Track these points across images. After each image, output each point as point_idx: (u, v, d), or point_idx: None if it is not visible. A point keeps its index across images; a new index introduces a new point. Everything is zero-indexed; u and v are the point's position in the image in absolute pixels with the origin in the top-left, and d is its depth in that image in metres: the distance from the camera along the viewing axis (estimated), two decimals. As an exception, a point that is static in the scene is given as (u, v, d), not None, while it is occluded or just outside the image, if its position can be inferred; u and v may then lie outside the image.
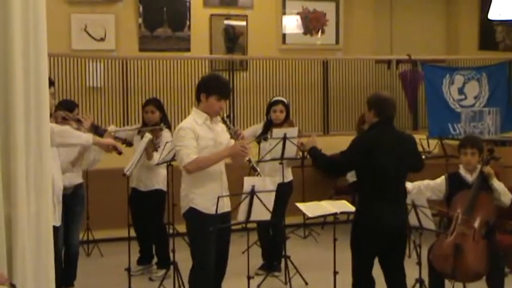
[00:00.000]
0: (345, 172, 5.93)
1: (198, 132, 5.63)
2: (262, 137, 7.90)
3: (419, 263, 6.17)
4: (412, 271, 6.15)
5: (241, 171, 6.75)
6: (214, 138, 5.72)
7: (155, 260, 8.20)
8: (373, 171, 5.75)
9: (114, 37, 10.98)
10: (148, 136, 7.10)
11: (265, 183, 5.64)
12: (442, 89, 11.54)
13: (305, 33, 12.28)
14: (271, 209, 5.59)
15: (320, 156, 6.06)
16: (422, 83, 11.64)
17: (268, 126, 7.97)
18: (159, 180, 7.92)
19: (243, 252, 5.81)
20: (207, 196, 5.62)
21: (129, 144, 6.96)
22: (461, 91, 11.66)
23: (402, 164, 5.91)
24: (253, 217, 5.61)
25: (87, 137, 5.72)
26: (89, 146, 6.07)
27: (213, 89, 5.71)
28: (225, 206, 5.71)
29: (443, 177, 6.82)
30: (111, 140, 6.14)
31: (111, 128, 7.45)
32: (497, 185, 6.54)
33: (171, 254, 7.36)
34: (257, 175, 5.68)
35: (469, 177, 6.65)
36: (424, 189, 6.65)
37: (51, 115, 5.56)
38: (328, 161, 6.10)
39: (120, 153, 6.09)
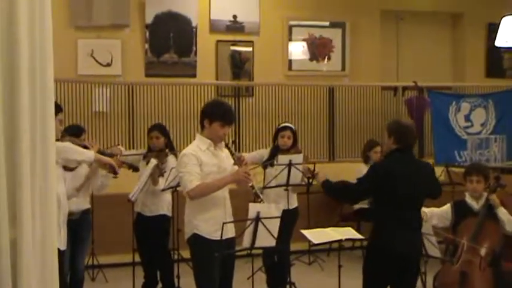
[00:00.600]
0: (360, 199, 5.88)
1: (202, 158, 5.63)
2: (268, 162, 7.89)
3: (425, 291, 6.13)
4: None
5: (247, 197, 6.73)
6: (218, 164, 5.72)
7: (160, 285, 8.16)
8: (390, 198, 5.73)
9: (120, 62, 11.01)
10: (153, 161, 7.11)
11: (270, 210, 5.63)
12: (448, 116, 11.54)
13: (311, 59, 12.31)
14: (276, 236, 5.58)
15: (334, 187, 6.06)
16: (428, 110, 11.65)
17: (275, 151, 7.97)
18: (163, 206, 7.90)
19: (247, 279, 5.77)
20: (210, 222, 5.60)
21: (135, 169, 6.96)
22: (467, 118, 11.66)
23: (419, 192, 5.90)
24: (258, 243, 5.59)
25: (90, 154, 5.75)
26: (91, 162, 6.10)
27: (216, 115, 5.71)
28: (229, 231, 5.69)
29: (449, 204, 6.82)
30: (111, 160, 6.16)
31: (120, 148, 7.48)
32: (503, 214, 6.53)
33: (176, 280, 7.34)
34: (260, 201, 5.67)
35: (475, 205, 6.64)
36: (430, 216, 6.63)
37: (58, 141, 5.57)
38: (343, 190, 6.09)
39: (115, 174, 6.12)
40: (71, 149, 5.56)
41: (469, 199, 6.72)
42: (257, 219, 5.49)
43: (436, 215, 6.70)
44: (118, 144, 9.12)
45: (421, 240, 5.83)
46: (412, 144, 5.95)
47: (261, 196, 5.79)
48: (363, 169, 8.27)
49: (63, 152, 5.36)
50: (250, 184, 5.63)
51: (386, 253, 5.70)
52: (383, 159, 6.05)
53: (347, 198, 6.10)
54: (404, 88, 12.00)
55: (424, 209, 6.50)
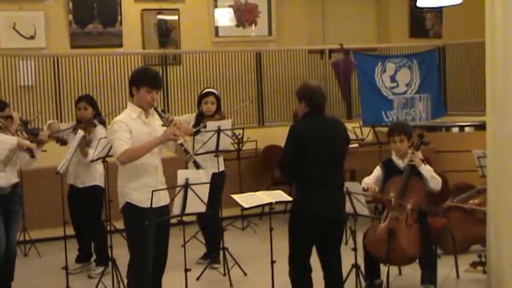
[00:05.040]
0: (293, 164, 5.84)
1: (132, 126, 5.62)
2: (197, 129, 7.90)
3: (354, 249, 6.26)
4: (348, 257, 6.23)
5: (180, 164, 6.76)
6: (150, 133, 5.71)
7: (94, 257, 8.16)
8: (307, 160, 5.77)
9: (44, 35, 10.86)
10: (80, 133, 7.07)
11: (199, 176, 5.66)
12: (374, 77, 11.72)
13: (238, 25, 12.33)
14: (206, 201, 5.62)
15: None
16: (355, 72, 11.81)
17: (200, 118, 8.01)
18: (96, 177, 7.88)
19: (181, 246, 5.81)
20: (142, 190, 5.61)
21: (63, 142, 6.91)
22: (393, 79, 11.86)
23: (337, 150, 5.95)
24: (188, 210, 5.61)
25: (12, 141, 5.75)
26: (14, 147, 6.10)
27: (142, 80, 5.70)
28: (162, 199, 5.71)
29: (378, 167, 6.95)
30: (31, 144, 6.19)
31: (55, 124, 7.45)
32: (426, 171, 6.67)
33: (109, 250, 7.34)
34: (189, 158, 5.68)
35: (401, 163, 6.80)
36: (370, 186, 6.73)
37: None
38: (280, 168, 6.14)
39: (33, 157, 6.17)
40: None
41: (395, 158, 6.87)
42: (186, 185, 5.52)
43: (375, 183, 6.79)
44: (40, 113, 9.08)
45: (342, 200, 5.88)
46: (322, 104, 5.95)
47: (191, 152, 5.80)
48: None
49: None
50: (179, 142, 5.63)
51: (309, 215, 5.78)
52: (298, 123, 6.09)
53: (283, 168, 6.09)
54: (331, 51, 12.13)
55: (364, 180, 6.63)
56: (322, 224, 5.83)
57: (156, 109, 5.80)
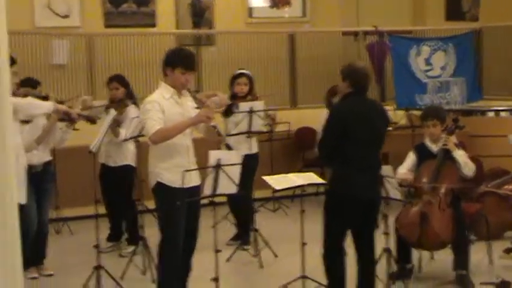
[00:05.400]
0: (332, 145, 5.75)
1: (164, 106, 5.61)
2: (233, 106, 7.89)
3: (386, 233, 6.22)
4: (379, 241, 6.17)
5: (212, 145, 6.74)
6: (182, 113, 5.70)
7: (125, 236, 8.19)
8: (349, 141, 5.67)
9: (78, 14, 10.87)
10: (112, 113, 7.08)
11: (230, 157, 5.64)
12: (408, 60, 11.60)
13: (271, 6, 12.25)
14: (237, 182, 5.60)
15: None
16: (389, 55, 11.68)
17: (232, 99, 7.97)
18: (127, 156, 7.91)
19: (212, 227, 5.80)
20: (173, 170, 5.61)
21: (92, 121, 6.93)
22: (428, 62, 11.73)
23: (377, 132, 5.87)
24: (219, 190, 5.61)
25: (48, 105, 5.71)
26: (51, 112, 6.08)
27: (178, 61, 5.69)
28: (193, 180, 5.70)
29: (410, 152, 6.89)
30: (69, 109, 6.15)
31: (85, 98, 7.46)
32: (459, 156, 6.59)
33: (140, 230, 7.37)
34: (222, 140, 5.67)
35: (434, 148, 6.73)
36: (405, 174, 6.68)
37: (13, 93, 5.53)
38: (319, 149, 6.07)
39: (72, 121, 6.12)
40: (33, 104, 5.52)
41: (428, 142, 6.80)
42: (218, 166, 5.51)
43: (409, 170, 6.74)
44: (78, 96, 9.07)
45: (380, 183, 5.86)
46: (366, 86, 5.87)
47: (223, 135, 5.80)
48: (326, 115, 8.29)
49: (26, 109, 5.32)
50: (212, 124, 5.63)
51: (347, 198, 5.69)
52: (339, 102, 6.03)
53: (322, 154, 6.03)
54: (365, 33, 12.00)
55: (399, 170, 6.55)
56: (362, 206, 5.75)
57: (189, 90, 5.79)
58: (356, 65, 6.00)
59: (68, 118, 6.20)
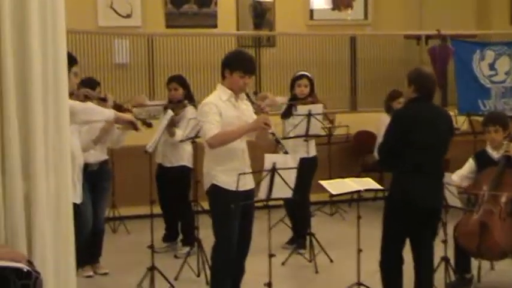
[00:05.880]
0: (392, 152, 5.65)
1: (222, 109, 5.58)
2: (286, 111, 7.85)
3: (445, 241, 6.09)
4: (437, 249, 6.06)
5: (266, 149, 6.70)
6: (239, 116, 5.66)
7: (181, 237, 8.20)
8: (409, 147, 5.57)
9: (140, 14, 10.96)
10: (169, 113, 7.07)
11: (286, 160, 5.57)
12: (472, 64, 11.40)
13: (333, 8, 12.19)
14: (292, 186, 5.54)
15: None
16: (452, 59, 11.49)
17: (292, 100, 7.92)
18: (184, 157, 7.91)
19: (270, 230, 5.75)
20: (229, 173, 5.57)
21: (148, 125, 6.92)
22: (492, 67, 11.50)
23: (441, 139, 5.75)
24: (274, 194, 5.55)
25: (109, 113, 5.69)
26: (111, 121, 6.08)
27: (237, 64, 5.65)
28: (248, 183, 5.66)
29: (470, 159, 6.76)
30: (130, 117, 6.12)
31: (144, 97, 7.43)
32: (521, 164, 6.43)
33: (195, 231, 7.36)
34: (281, 148, 5.62)
35: (495, 155, 6.58)
36: (460, 181, 6.54)
37: (73, 93, 5.55)
38: (378, 152, 5.98)
39: (136, 129, 6.09)
40: (92, 110, 5.52)
41: (489, 149, 6.65)
42: (273, 170, 5.45)
43: (464, 177, 6.61)
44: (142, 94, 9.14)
45: (442, 191, 5.75)
46: (432, 92, 5.77)
47: (282, 143, 5.74)
48: (385, 119, 8.18)
49: (85, 113, 5.32)
50: (270, 131, 5.57)
51: (406, 205, 5.59)
52: (402, 107, 5.93)
53: (381, 158, 5.94)
54: (428, 37, 11.83)
55: (452, 176, 6.40)
56: (421, 214, 5.63)
57: (248, 95, 5.75)
58: (423, 70, 5.90)
59: (132, 127, 6.20)
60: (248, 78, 5.69)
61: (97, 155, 6.99)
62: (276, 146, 5.69)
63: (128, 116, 6.09)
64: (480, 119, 9.27)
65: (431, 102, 5.82)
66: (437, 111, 5.89)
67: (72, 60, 5.32)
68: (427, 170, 5.62)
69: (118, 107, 6.39)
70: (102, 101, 6.22)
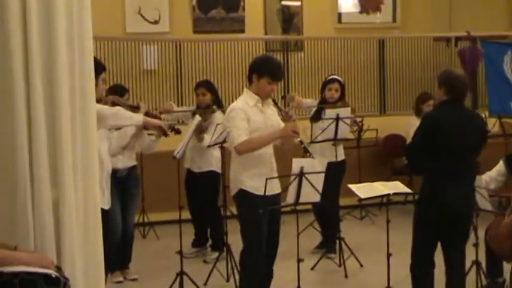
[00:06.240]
0: (419, 153, 5.60)
1: (249, 114, 5.58)
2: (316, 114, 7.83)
3: (476, 245, 6.02)
4: (468, 253, 5.98)
5: (293, 153, 6.68)
6: (265, 121, 5.66)
7: (210, 242, 8.19)
8: (438, 150, 5.52)
9: (168, 19, 10.99)
10: (197, 118, 7.07)
11: (314, 165, 5.55)
12: (503, 66, 11.26)
13: (361, 12, 12.13)
14: (320, 191, 5.52)
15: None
16: (482, 61, 11.38)
17: (322, 104, 7.90)
18: (212, 162, 7.90)
19: (299, 234, 5.73)
20: (256, 178, 5.56)
21: (177, 131, 6.92)
22: (523, 68, 11.36)
23: (472, 143, 5.67)
24: (302, 199, 5.55)
25: (138, 118, 5.71)
26: (140, 126, 6.10)
27: (265, 70, 5.64)
28: (275, 188, 5.65)
29: (501, 161, 6.68)
30: (160, 122, 6.14)
31: (171, 103, 7.43)
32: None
33: (224, 237, 7.36)
34: (309, 156, 5.60)
35: (527, 157, 6.50)
36: (488, 182, 6.48)
37: (101, 100, 5.57)
38: (405, 152, 5.93)
39: (166, 135, 6.10)
40: (122, 115, 5.54)
41: (520, 151, 6.58)
42: (301, 174, 5.43)
43: (493, 179, 6.54)
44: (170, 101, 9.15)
45: (473, 194, 5.68)
46: (463, 94, 5.70)
47: (310, 151, 5.73)
48: (415, 122, 8.12)
49: (114, 118, 5.34)
50: (298, 139, 5.56)
51: (435, 208, 5.54)
52: (433, 109, 5.87)
53: (408, 156, 5.89)
54: (457, 38, 11.73)
55: (481, 177, 6.33)
56: (451, 218, 5.57)
57: (275, 102, 5.75)
58: (453, 72, 5.83)
59: (161, 132, 6.22)
60: (275, 84, 5.68)
61: (125, 161, 7.01)
62: (304, 154, 5.64)
63: (156, 121, 6.11)
64: (511, 121, 9.19)
65: (462, 104, 5.75)
66: (468, 114, 5.81)
67: (100, 67, 5.34)
68: (457, 173, 5.55)
69: (147, 114, 6.42)
70: (135, 109, 6.23)
